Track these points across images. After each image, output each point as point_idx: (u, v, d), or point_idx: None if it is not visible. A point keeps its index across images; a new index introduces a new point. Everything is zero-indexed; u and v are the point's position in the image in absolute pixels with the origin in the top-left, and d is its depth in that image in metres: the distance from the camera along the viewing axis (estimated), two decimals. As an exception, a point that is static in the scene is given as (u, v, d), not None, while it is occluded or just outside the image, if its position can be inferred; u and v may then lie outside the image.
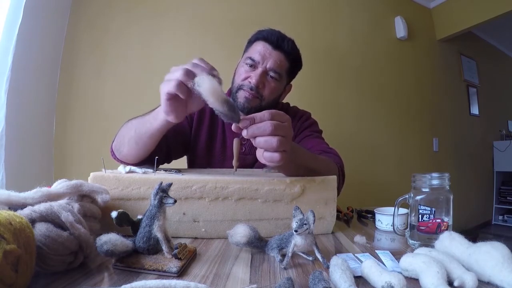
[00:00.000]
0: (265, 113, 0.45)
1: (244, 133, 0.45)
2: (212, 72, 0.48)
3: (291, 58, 0.82)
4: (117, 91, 1.46)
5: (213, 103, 0.42)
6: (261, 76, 0.78)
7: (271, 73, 0.79)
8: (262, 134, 0.44)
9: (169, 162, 0.83)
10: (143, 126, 0.59)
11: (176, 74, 0.47)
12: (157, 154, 0.67)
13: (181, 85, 0.46)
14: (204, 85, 0.42)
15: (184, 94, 0.47)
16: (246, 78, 0.79)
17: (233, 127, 0.45)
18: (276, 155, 0.45)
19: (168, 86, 0.47)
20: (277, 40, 0.79)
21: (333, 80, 2.02)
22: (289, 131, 0.47)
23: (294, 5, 1.90)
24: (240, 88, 0.80)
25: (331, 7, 2.06)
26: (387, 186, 2.02)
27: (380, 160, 2.16)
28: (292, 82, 0.92)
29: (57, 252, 0.33)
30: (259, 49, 0.79)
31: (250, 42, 0.85)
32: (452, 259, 0.35)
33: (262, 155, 0.47)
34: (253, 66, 0.80)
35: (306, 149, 0.80)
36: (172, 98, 0.48)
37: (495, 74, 3.37)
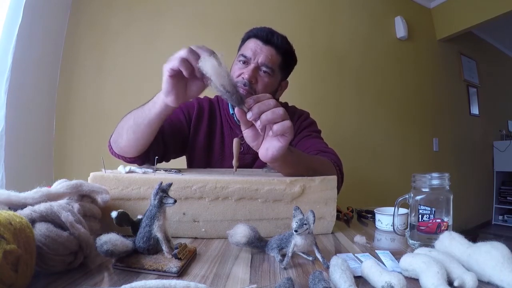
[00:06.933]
0: (266, 94, 0.47)
1: (249, 116, 0.45)
2: (211, 54, 0.49)
3: (282, 52, 0.83)
4: (117, 91, 1.45)
5: (217, 80, 0.42)
6: (254, 71, 0.79)
7: (264, 68, 0.80)
8: (268, 108, 0.45)
9: (167, 160, 0.83)
10: (142, 114, 0.60)
11: (180, 53, 0.47)
12: (154, 151, 0.67)
13: (185, 61, 0.47)
14: (208, 64, 0.43)
15: (187, 70, 0.47)
16: (240, 75, 0.80)
17: (237, 111, 0.46)
18: (287, 122, 0.45)
19: (171, 62, 0.47)
20: (267, 36, 0.81)
21: (333, 80, 2.02)
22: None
23: (295, 4, 1.90)
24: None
25: (331, 7, 2.05)
26: (387, 186, 2.02)
27: (380, 160, 2.16)
28: (290, 80, 0.92)
29: (57, 252, 0.33)
30: (251, 45, 0.81)
31: (243, 41, 0.87)
32: (452, 259, 0.35)
33: (266, 149, 0.48)
34: (246, 62, 0.81)
35: (304, 148, 0.81)
36: (175, 75, 0.49)
37: (495, 74, 3.37)
